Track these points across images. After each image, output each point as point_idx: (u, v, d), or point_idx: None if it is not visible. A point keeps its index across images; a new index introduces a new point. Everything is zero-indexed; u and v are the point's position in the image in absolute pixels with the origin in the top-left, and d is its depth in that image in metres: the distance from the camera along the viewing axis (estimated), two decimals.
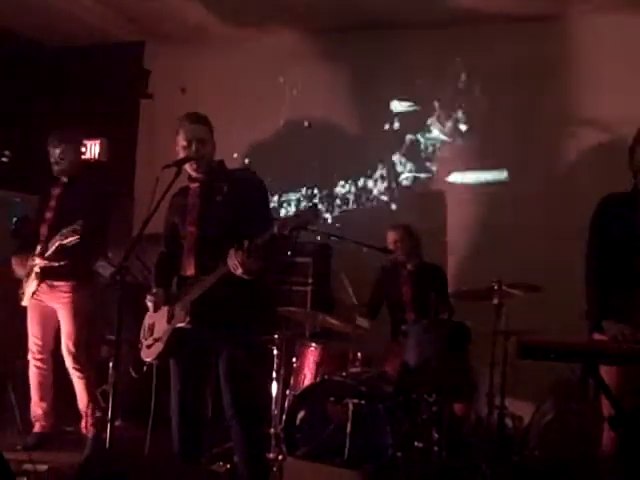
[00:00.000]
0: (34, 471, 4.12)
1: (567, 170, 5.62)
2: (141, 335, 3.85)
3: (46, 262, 4.59)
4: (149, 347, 3.77)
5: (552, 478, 4.23)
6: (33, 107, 6.71)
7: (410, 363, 4.44)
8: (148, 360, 3.77)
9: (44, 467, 4.27)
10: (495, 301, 4.48)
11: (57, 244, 4.47)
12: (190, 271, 3.68)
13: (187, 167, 3.71)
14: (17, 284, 4.80)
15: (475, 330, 4.58)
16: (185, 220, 3.75)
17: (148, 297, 3.77)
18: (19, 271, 4.76)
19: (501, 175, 5.87)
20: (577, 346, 3.11)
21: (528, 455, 4.52)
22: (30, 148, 6.32)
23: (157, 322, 3.76)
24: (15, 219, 5.85)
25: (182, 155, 3.70)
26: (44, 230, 4.70)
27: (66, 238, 4.43)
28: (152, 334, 3.77)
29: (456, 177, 6.01)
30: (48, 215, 4.73)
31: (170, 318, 3.68)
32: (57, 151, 4.75)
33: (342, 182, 6.30)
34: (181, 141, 3.71)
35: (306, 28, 6.26)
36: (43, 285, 4.70)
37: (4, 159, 4.94)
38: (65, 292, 4.68)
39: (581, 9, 5.49)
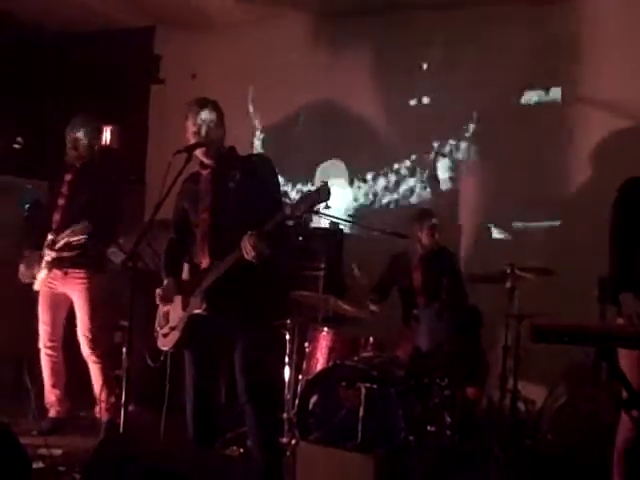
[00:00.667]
0: (49, 455, 4.17)
1: (582, 154, 5.58)
2: (156, 324, 3.85)
3: (56, 254, 4.62)
4: (165, 336, 3.77)
5: (565, 462, 4.23)
6: (44, 94, 6.71)
7: (422, 347, 4.44)
8: (165, 349, 3.78)
9: (59, 452, 4.31)
10: (508, 284, 4.47)
11: (65, 240, 4.54)
12: (204, 258, 3.68)
13: (198, 153, 3.70)
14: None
15: (487, 314, 4.57)
16: (197, 207, 3.74)
17: (157, 291, 3.77)
18: (25, 277, 4.77)
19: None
20: (591, 329, 3.09)
21: (541, 439, 4.51)
22: (41, 135, 6.34)
23: (172, 310, 3.76)
24: (27, 205, 5.87)
25: (192, 141, 3.69)
26: (56, 217, 4.71)
27: (74, 235, 4.50)
28: (167, 322, 3.77)
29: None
30: (60, 202, 4.74)
31: (185, 305, 3.68)
32: (74, 136, 4.76)
33: (356, 170, 6.30)
34: (190, 126, 3.70)
35: (316, 12, 6.22)
36: (57, 272, 4.72)
37: (16, 146, 4.95)
38: (79, 279, 4.70)
39: None
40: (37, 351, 4.87)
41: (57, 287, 4.77)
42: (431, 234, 5.02)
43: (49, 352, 4.84)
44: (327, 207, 3.50)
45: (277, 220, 3.41)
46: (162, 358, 3.81)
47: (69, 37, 6.84)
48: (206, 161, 3.74)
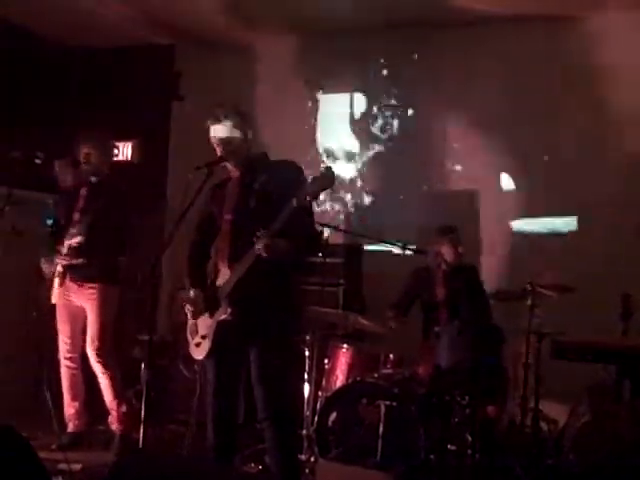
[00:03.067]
0: (69, 471, 4.17)
1: (597, 173, 5.56)
2: (187, 334, 3.86)
3: (65, 261, 4.71)
4: (198, 345, 3.78)
5: None
6: (66, 110, 6.77)
7: (442, 364, 4.41)
8: (199, 358, 3.79)
9: (78, 466, 4.31)
10: (529, 302, 4.43)
11: (67, 244, 4.67)
12: (225, 258, 3.68)
13: (226, 163, 3.73)
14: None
15: (509, 331, 4.54)
16: (222, 209, 3.77)
17: (186, 307, 3.80)
18: (47, 270, 4.83)
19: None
20: (613, 347, 3.06)
21: (563, 458, 4.45)
22: (62, 150, 6.38)
23: (200, 319, 3.77)
24: (50, 221, 5.90)
25: (217, 151, 3.71)
26: (72, 231, 4.73)
27: (72, 238, 4.63)
28: (197, 332, 3.78)
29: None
30: (75, 216, 4.80)
31: (213, 313, 3.69)
32: (84, 151, 4.83)
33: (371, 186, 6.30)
34: (212, 138, 3.73)
35: (332, 29, 6.23)
36: (73, 285, 4.77)
37: (37, 161, 4.99)
38: (93, 290, 4.74)
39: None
40: (57, 364, 4.90)
41: (73, 299, 4.81)
42: (454, 250, 4.99)
43: (68, 364, 4.87)
44: (332, 191, 3.44)
45: (286, 214, 3.39)
46: (196, 367, 3.81)
47: (91, 53, 6.89)
48: (232, 169, 3.77)
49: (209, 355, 3.72)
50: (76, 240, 4.61)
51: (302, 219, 3.50)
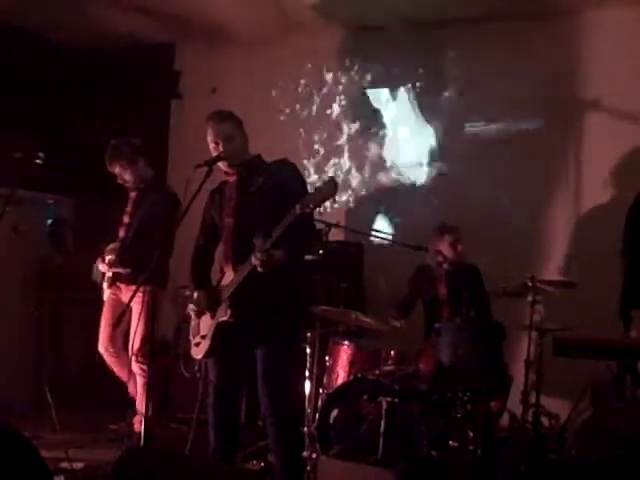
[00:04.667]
0: (71, 469, 4.17)
1: (595, 168, 5.56)
2: (190, 334, 3.90)
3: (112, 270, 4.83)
4: (197, 345, 3.82)
5: (589, 477, 4.17)
6: (65, 109, 6.77)
7: (444, 361, 4.41)
8: (198, 358, 3.83)
9: (80, 465, 4.31)
10: (529, 298, 4.43)
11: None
12: (228, 262, 3.71)
13: (221, 164, 3.74)
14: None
15: (510, 327, 4.54)
16: (222, 213, 3.79)
17: (190, 307, 3.81)
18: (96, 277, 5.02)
19: None
20: (614, 343, 3.07)
21: (565, 454, 4.46)
22: (63, 150, 6.39)
23: (202, 319, 3.81)
24: (50, 221, 5.91)
25: (214, 154, 3.72)
26: (121, 233, 4.88)
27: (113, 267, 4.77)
28: (199, 332, 3.82)
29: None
30: (125, 219, 4.91)
31: (214, 314, 3.72)
32: (116, 172, 4.89)
33: (372, 187, 6.30)
34: (210, 141, 3.74)
35: (336, 26, 6.23)
36: (121, 284, 4.89)
37: (38, 161, 4.99)
38: (142, 293, 4.71)
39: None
40: (57, 365, 4.90)
41: (121, 296, 4.92)
42: (454, 248, 5.00)
43: (111, 351, 4.93)
44: (334, 201, 3.44)
45: (286, 223, 3.40)
46: (196, 368, 3.84)
47: (89, 53, 6.89)
48: (229, 171, 3.78)
49: (207, 355, 3.74)
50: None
51: (303, 223, 3.50)
